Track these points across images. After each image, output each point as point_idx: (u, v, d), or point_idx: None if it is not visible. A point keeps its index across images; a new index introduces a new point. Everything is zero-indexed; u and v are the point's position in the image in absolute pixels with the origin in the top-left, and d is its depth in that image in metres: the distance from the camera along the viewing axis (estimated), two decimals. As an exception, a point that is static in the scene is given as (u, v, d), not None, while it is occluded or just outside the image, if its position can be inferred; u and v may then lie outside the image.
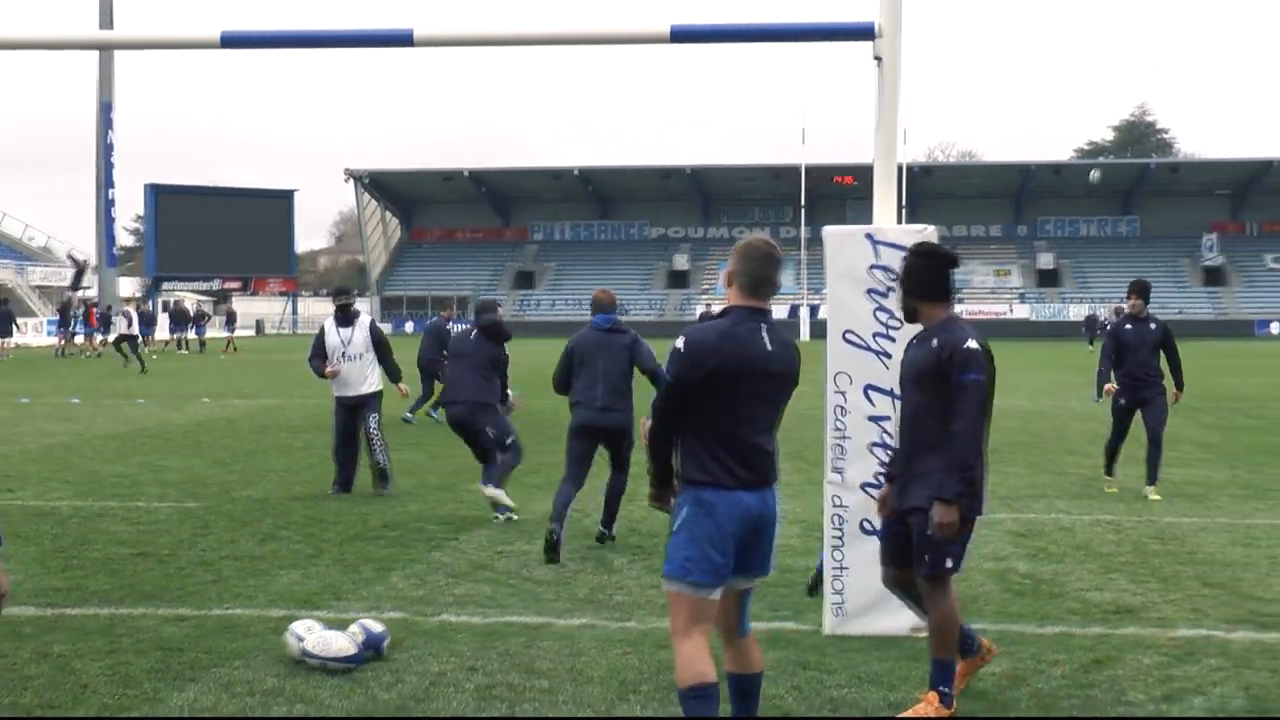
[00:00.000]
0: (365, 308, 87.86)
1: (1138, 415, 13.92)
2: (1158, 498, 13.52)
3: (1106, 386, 13.96)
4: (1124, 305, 20.51)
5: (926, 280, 6.44)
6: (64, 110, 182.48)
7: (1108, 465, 14.30)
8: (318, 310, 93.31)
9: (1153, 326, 13.80)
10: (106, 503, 13.10)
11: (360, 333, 13.98)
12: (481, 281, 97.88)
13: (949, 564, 6.36)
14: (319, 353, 13.91)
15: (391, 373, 14.26)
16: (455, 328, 19.28)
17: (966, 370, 6.15)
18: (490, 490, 12.05)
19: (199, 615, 8.36)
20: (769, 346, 5.50)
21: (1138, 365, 13.71)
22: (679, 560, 5.39)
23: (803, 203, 65.19)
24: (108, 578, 9.51)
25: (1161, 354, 13.81)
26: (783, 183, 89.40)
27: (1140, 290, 13.68)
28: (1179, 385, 13.79)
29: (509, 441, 12.24)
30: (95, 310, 56.88)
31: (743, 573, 5.56)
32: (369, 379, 13.98)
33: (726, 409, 5.42)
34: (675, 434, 5.48)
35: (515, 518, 12.01)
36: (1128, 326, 13.91)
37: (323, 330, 14.04)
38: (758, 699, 5.72)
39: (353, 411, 13.92)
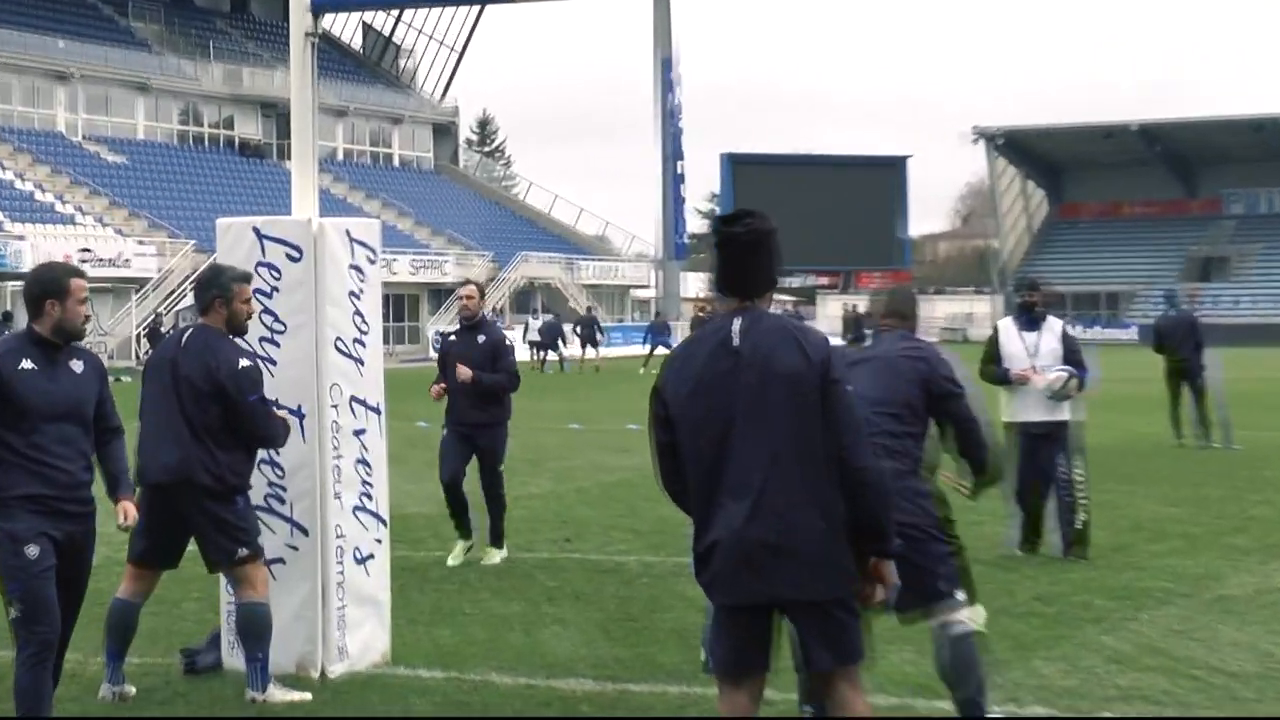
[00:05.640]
0: (986, 307, 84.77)
1: None
2: None
3: None
4: None
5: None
6: (614, 70, 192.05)
7: None
8: (929, 312, 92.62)
9: None
10: (681, 559, 12.90)
11: (1049, 338, 13.44)
12: (1156, 272, 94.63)
13: None
14: (995, 361, 13.46)
15: (1084, 383, 13.48)
16: None
17: None
18: None
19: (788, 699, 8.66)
20: None
21: None
22: None
23: None
24: (679, 650, 9.90)
25: None
26: None
27: None
28: None
29: None
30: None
31: None
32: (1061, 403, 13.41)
33: None
34: None
35: None
36: None
37: (995, 335, 13.73)
38: None
39: (1036, 443, 13.34)
